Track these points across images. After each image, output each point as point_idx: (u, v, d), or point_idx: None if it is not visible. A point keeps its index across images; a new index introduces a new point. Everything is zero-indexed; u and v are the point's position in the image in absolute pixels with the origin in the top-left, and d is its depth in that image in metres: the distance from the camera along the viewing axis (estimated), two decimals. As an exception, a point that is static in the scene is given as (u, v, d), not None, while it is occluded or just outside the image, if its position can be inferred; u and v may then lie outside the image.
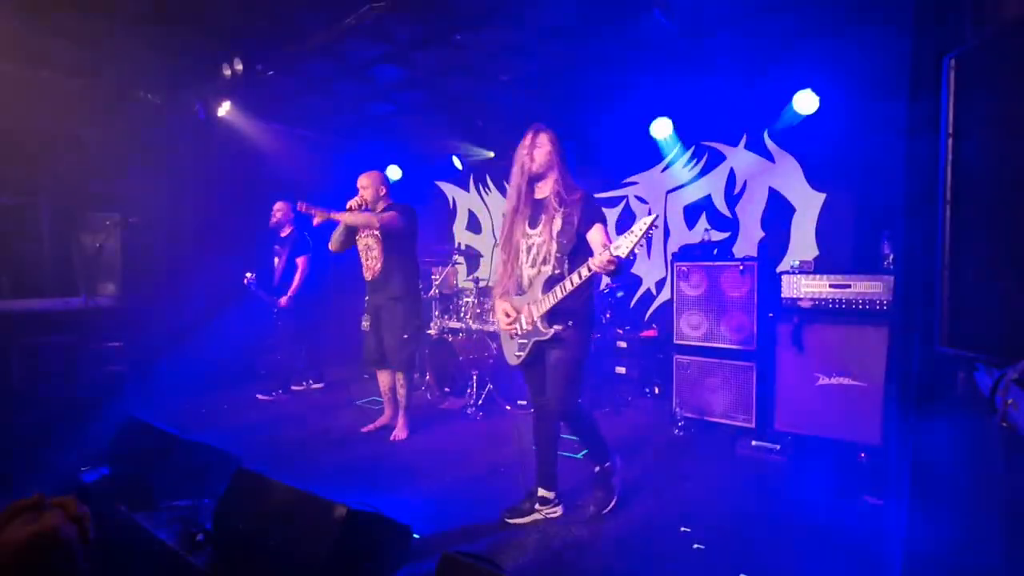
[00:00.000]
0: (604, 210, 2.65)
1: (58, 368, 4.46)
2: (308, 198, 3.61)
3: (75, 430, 3.70)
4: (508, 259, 2.65)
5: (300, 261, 4.93)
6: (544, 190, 2.57)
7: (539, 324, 2.49)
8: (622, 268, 2.26)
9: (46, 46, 4.04)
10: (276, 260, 5.03)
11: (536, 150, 2.51)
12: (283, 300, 4.87)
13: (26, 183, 4.38)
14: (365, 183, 3.68)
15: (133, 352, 4.82)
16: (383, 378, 3.97)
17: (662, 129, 4.96)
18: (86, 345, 4.64)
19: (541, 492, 2.68)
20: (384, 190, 3.73)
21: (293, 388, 5.18)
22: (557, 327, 2.47)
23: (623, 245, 2.18)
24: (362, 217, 3.59)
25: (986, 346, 1.38)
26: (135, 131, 4.90)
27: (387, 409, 4.04)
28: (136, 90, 5.01)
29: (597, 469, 2.74)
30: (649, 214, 2.25)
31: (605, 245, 2.31)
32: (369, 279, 3.80)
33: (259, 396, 4.92)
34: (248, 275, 4.83)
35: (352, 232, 3.72)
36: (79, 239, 4.74)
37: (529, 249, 2.57)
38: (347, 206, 3.57)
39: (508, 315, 2.63)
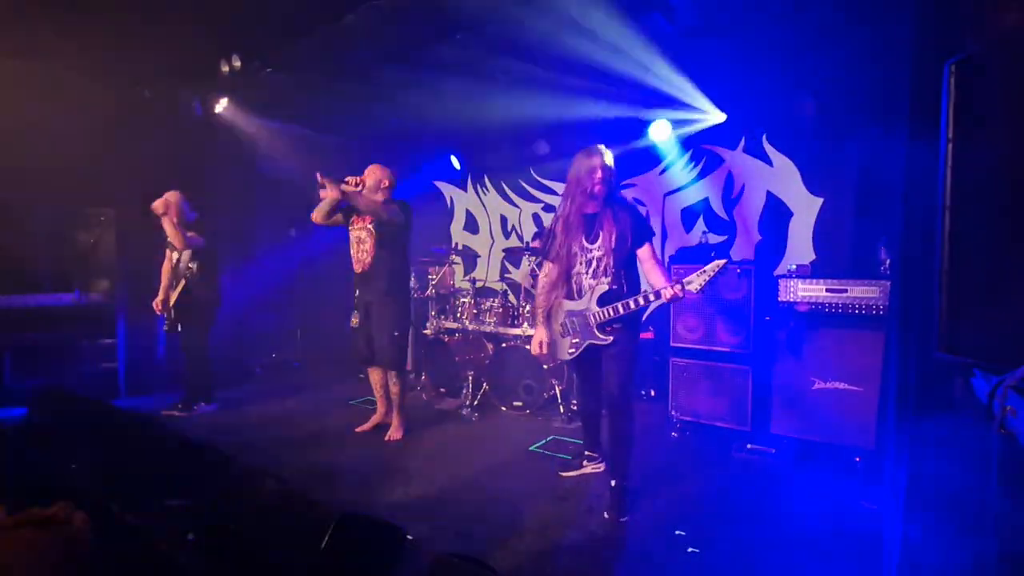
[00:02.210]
0: None
1: (51, 364, 4.43)
2: (305, 197, 3.59)
3: (67, 428, 3.66)
4: (561, 271, 2.82)
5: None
6: (598, 205, 2.73)
7: (596, 332, 2.72)
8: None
9: (41, 41, 4.01)
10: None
11: (601, 172, 2.64)
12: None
13: (19, 178, 4.34)
14: (372, 171, 3.66)
15: (126, 349, 4.79)
16: (374, 376, 3.93)
17: (661, 131, 4.96)
18: (79, 341, 4.62)
19: (587, 452, 3.22)
20: (387, 183, 3.67)
21: (171, 413, 4.37)
22: (613, 335, 2.71)
23: (695, 282, 2.49)
24: (365, 201, 3.54)
25: (984, 352, 1.38)
26: (131, 127, 4.87)
27: (380, 406, 4.00)
28: (133, 86, 4.98)
29: (614, 483, 2.76)
30: (714, 258, 2.55)
31: (671, 281, 2.55)
32: (359, 272, 3.73)
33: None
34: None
35: (336, 209, 3.62)
36: (73, 235, 4.71)
37: (590, 262, 2.75)
38: (345, 179, 3.55)
39: (541, 347, 2.90)
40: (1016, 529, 1.33)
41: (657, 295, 2.55)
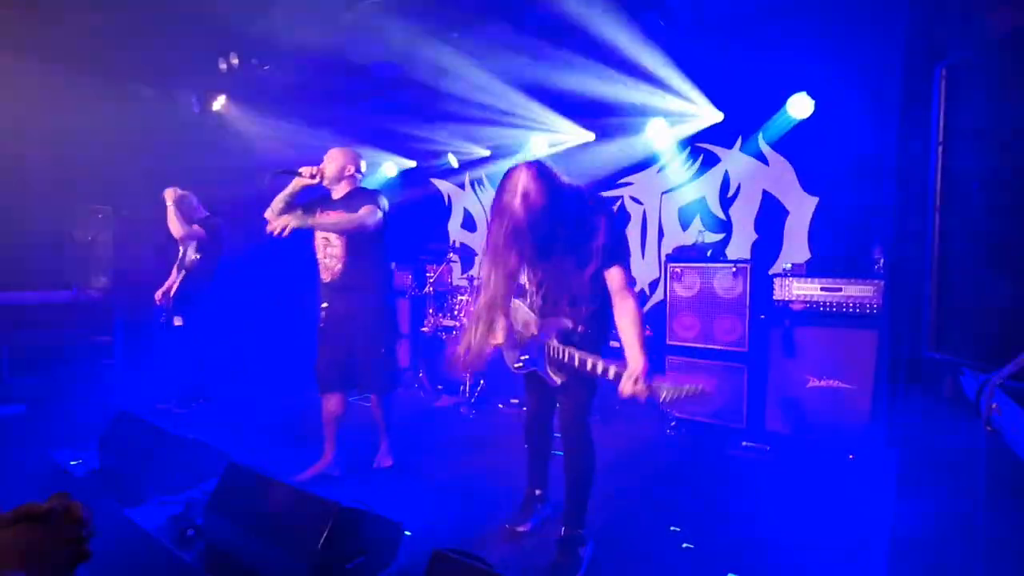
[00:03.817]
0: None
1: (48, 361, 4.43)
2: (303, 195, 3.14)
3: (65, 424, 3.67)
4: (488, 302, 2.19)
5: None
6: (546, 225, 2.04)
7: (548, 368, 2.27)
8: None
9: (39, 37, 4.00)
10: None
11: (519, 198, 1.97)
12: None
13: (17, 175, 4.34)
14: (332, 156, 3.01)
15: (124, 346, 4.79)
16: (330, 405, 3.09)
17: (658, 130, 4.98)
18: (76, 338, 4.62)
19: (538, 491, 2.64)
20: (352, 170, 3.02)
21: (167, 407, 4.40)
22: (568, 377, 2.23)
23: (666, 392, 1.90)
24: (333, 219, 2.90)
25: (972, 351, 1.41)
26: (128, 124, 4.86)
27: (329, 449, 3.12)
28: (130, 83, 4.97)
29: (564, 532, 2.29)
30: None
31: (642, 378, 1.92)
32: (327, 281, 3.01)
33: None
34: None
35: (294, 204, 3.02)
36: (70, 232, 4.71)
37: (541, 284, 2.33)
38: (298, 171, 2.93)
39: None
40: (1002, 521, 1.36)
41: (607, 374, 2.00)
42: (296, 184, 2.97)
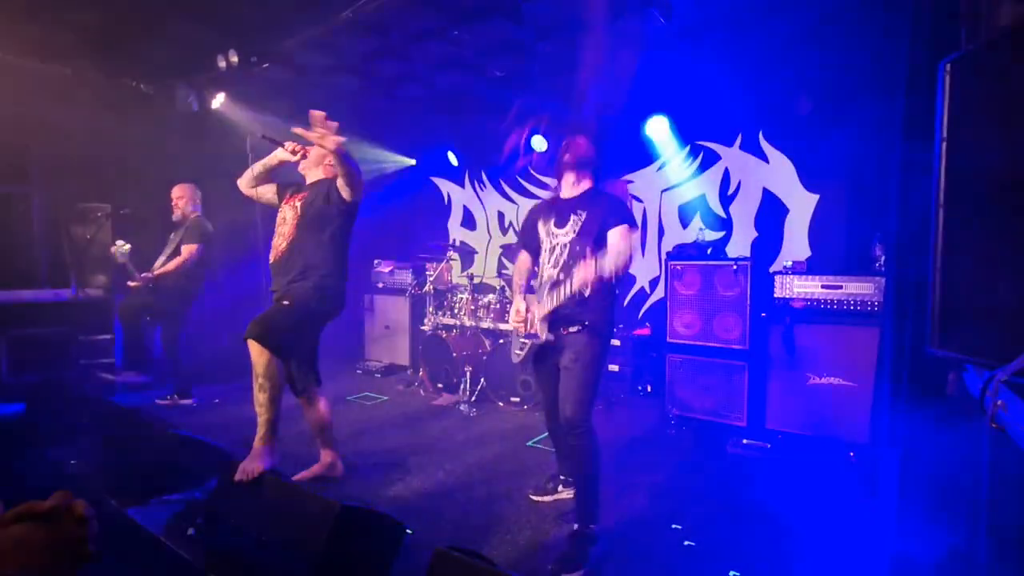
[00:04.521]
0: None
1: (48, 360, 4.42)
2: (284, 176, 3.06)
3: (65, 423, 3.66)
4: (529, 256, 2.68)
5: (186, 249, 4.36)
6: (572, 190, 2.53)
7: (538, 329, 2.43)
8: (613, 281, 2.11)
9: (38, 35, 3.98)
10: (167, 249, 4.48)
11: (570, 149, 2.51)
12: (141, 277, 4.25)
13: (16, 173, 4.33)
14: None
15: (123, 344, 4.77)
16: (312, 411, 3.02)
17: (658, 128, 4.98)
18: (76, 336, 4.60)
19: (563, 476, 2.86)
20: (330, 159, 2.78)
21: (157, 401, 4.44)
22: (560, 331, 2.39)
23: (607, 268, 2.04)
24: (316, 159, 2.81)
25: (976, 348, 1.40)
26: (127, 122, 4.84)
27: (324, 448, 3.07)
28: (129, 80, 4.95)
29: (576, 527, 2.35)
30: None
31: (587, 281, 2.11)
32: (272, 261, 2.83)
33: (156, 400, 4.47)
34: (120, 245, 4.26)
35: (272, 175, 2.93)
36: (70, 230, 4.69)
37: (552, 249, 2.49)
38: (283, 144, 2.85)
39: (519, 312, 2.57)
40: (1006, 517, 1.36)
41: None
42: (277, 156, 2.86)
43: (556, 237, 2.48)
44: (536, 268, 2.63)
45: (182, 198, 4.50)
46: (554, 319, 2.40)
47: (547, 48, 4.04)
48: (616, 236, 2.34)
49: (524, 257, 2.72)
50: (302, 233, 2.75)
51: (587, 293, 2.19)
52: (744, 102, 4.60)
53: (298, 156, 2.82)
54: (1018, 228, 1.31)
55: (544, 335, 2.42)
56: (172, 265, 4.33)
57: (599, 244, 2.32)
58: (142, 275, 4.28)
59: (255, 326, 2.58)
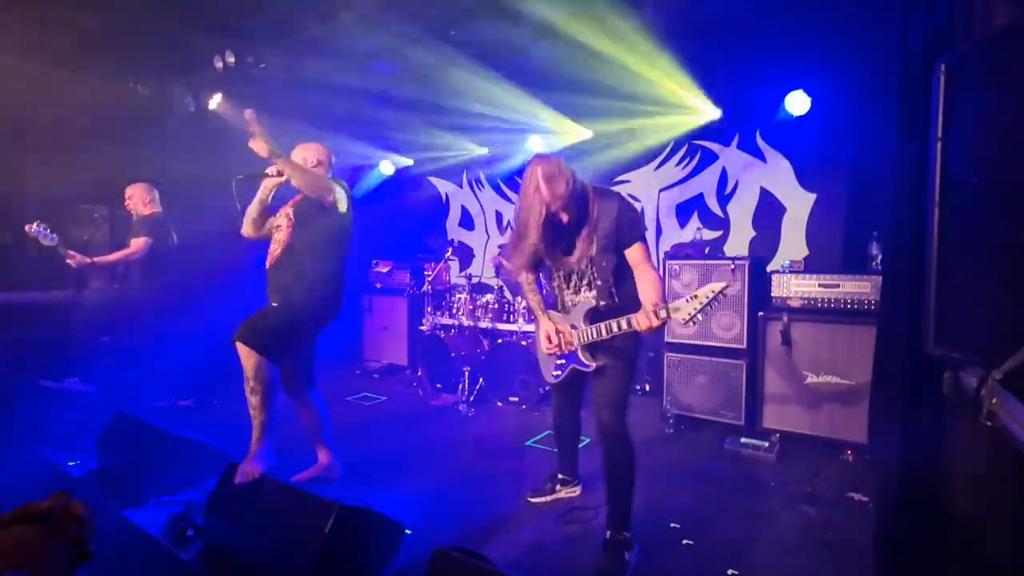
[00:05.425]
0: None
1: (45, 362, 4.41)
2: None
3: (63, 425, 3.66)
4: (531, 275, 2.50)
5: (133, 243, 4.26)
6: (570, 216, 2.20)
7: (581, 355, 2.33)
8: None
9: (36, 36, 3.98)
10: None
11: (548, 186, 2.11)
12: (71, 255, 4.05)
13: (13, 174, 4.32)
14: (298, 150, 2.92)
15: (121, 346, 4.77)
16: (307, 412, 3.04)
17: (653, 128, 4.99)
18: (73, 339, 4.60)
19: (561, 475, 2.87)
20: (315, 161, 2.92)
21: (155, 404, 4.37)
22: (601, 361, 2.31)
23: (683, 309, 1.99)
24: (299, 172, 2.68)
25: (972, 347, 1.41)
26: (124, 123, 4.84)
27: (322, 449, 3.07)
28: (126, 81, 4.94)
29: (609, 535, 2.29)
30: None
31: (658, 305, 2.05)
32: (268, 267, 2.85)
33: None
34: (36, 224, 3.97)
35: (268, 208, 2.90)
36: (67, 232, 4.68)
37: (568, 276, 2.37)
38: (265, 172, 2.78)
39: (550, 339, 2.39)
40: (1003, 516, 1.37)
41: (629, 324, 2.11)
42: (268, 186, 2.82)
43: (568, 263, 2.33)
44: (539, 277, 2.54)
45: (131, 197, 4.43)
46: (594, 346, 2.32)
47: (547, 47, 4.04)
48: (640, 259, 2.24)
49: (527, 276, 2.52)
50: (296, 239, 2.78)
51: (617, 300, 2.26)
52: (741, 101, 4.61)
53: (286, 176, 2.72)
54: (1014, 227, 1.31)
55: (592, 362, 2.31)
56: (114, 256, 4.26)
57: (620, 254, 2.26)
58: (77, 256, 4.08)
59: (243, 328, 2.65)
